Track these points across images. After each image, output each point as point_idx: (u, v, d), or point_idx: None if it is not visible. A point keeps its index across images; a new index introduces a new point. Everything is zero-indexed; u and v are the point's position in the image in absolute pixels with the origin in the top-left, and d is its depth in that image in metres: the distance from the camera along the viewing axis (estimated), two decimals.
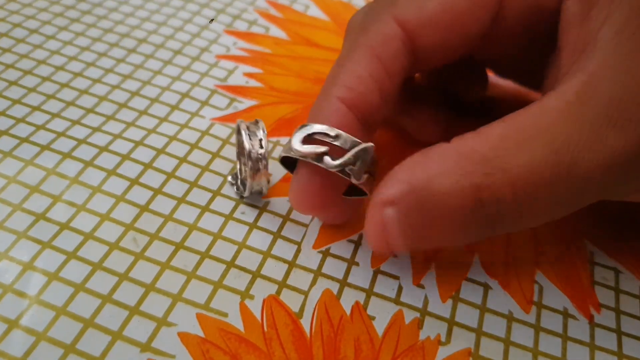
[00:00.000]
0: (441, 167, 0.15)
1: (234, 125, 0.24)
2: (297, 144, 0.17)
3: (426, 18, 0.18)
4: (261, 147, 0.19)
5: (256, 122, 0.20)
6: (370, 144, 0.17)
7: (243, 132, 0.19)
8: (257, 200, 0.21)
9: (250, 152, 0.19)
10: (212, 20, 0.29)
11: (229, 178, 0.21)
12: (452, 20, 0.18)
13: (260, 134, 0.19)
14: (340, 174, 0.17)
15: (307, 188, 0.18)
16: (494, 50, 0.21)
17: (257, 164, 0.19)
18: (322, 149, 0.17)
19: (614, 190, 0.16)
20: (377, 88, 0.18)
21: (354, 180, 0.17)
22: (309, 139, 0.17)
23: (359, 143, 0.17)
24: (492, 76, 0.25)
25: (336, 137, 0.17)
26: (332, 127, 0.17)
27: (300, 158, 0.17)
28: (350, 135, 0.17)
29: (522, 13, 0.19)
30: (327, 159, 0.17)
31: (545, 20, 0.18)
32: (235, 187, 0.21)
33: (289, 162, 0.19)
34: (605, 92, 0.15)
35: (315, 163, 0.17)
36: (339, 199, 0.19)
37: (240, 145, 0.20)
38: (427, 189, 0.15)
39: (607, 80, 0.15)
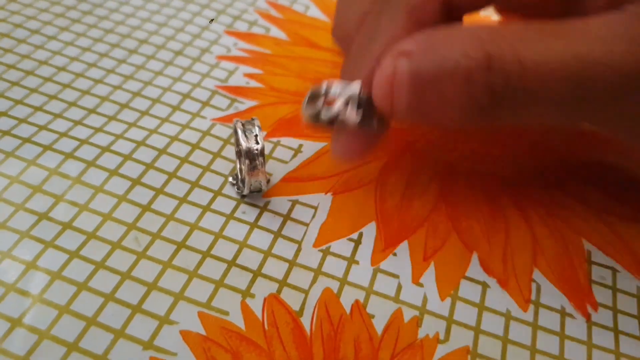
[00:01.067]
0: (462, 34, 0.16)
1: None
2: (305, 111, 0.18)
3: None
4: (257, 143, 0.19)
5: (252, 120, 0.20)
6: (357, 81, 0.17)
7: (239, 131, 0.19)
8: (257, 199, 0.21)
9: (246, 149, 0.19)
10: (212, 20, 0.30)
11: (230, 179, 0.21)
12: None
13: (256, 130, 0.19)
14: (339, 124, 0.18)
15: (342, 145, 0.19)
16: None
17: (254, 161, 0.19)
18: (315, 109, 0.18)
19: (611, 114, 0.17)
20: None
21: (351, 123, 0.18)
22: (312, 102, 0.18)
23: (348, 85, 0.17)
24: None
25: (326, 91, 0.18)
26: (324, 83, 0.18)
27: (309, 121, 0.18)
28: (336, 81, 0.17)
29: None
30: (323, 114, 0.18)
31: None
32: (235, 186, 0.21)
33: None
34: (635, 28, 0.15)
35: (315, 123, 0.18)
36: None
37: (237, 143, 0.20)
38: (444, 48, 0.16)
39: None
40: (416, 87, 0.16)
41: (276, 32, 0.30)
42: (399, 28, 0.18)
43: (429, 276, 0.20)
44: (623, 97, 0.16)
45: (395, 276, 0.20)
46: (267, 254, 0.20)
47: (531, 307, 0.19)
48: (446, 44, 0.16)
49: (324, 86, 0.18)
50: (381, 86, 0.17)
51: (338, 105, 0.17)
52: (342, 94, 0.17)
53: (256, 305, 0.18)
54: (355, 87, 0.17)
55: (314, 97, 0.18)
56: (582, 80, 0.15)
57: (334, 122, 0.18)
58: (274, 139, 0.24)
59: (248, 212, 0.21)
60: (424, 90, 0.16)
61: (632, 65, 0.15)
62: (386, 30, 0.18)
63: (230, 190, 0.21)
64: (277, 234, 0.20)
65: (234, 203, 0.21)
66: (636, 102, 0.16)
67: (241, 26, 0.30)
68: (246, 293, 0.18)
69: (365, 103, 0.17)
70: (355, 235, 0.21)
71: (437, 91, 0.16)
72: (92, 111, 0.24)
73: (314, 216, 0.21)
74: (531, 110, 0.16)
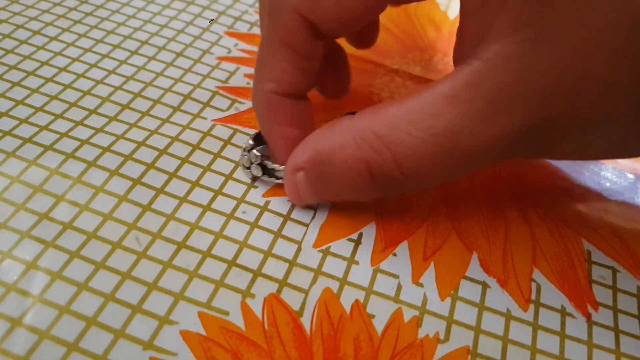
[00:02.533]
0: (341, 140, 0.18)
1: (235, 127, 0.24)
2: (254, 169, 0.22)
3: (323, 13, 0.19)
4: None
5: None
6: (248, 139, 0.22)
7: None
8: (258, 197, 0.21)
9: None
10: (212, 20, 0.30)
11: (244, 158, 0.22)
12: (347, 15, 0.19)
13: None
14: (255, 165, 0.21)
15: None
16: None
17: None
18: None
19: (504, 157, 0.18)
20: (299, 72, 0.20)
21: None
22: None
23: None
24: None
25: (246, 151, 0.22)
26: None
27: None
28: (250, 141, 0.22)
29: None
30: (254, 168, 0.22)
31: None
32: (248, 169, 0.22)
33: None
34: (494, 80, 0.16)
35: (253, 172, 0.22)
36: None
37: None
38: (328, 159, 0.18)
39: (499, 68, 0.16)
40: (314, 190, 0.20)
41: None
42: (279, 59, 0.20)
43: (429, 276, 0.20)
44: (502, 153, 0.17)
45: (395, 276, 0.20)
46: (267, 254, 0.20)
47: (531, 306, 0.19)
48: (330, 155, 0.18)
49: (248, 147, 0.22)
50: (289, 192, 0.20)
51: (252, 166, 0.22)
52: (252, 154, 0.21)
53: (256, 305, 0.18)
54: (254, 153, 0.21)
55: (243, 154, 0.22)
56: (452, 154, 0.17)
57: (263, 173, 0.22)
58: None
59: (248, 212, 0.21)
60: (322, 190, 0.19)
61: (496, 125, 0.16)
62: (270, 65, 0.20)
63: (230, 190, 0.21)
64: (277, 234, 0.20)
65: (234, 203, 0.21)
66: (522, 153, 0.18)
67: (242, 27, 0.30)
68: (246, 293, 0.18)
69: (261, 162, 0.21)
70: (355, 236, 0.21)
71: (332, 189, 0.19)
72: (93, 112, 0.24)
73: (314, 216, 0.21)
74: (419, 185, 0.19)
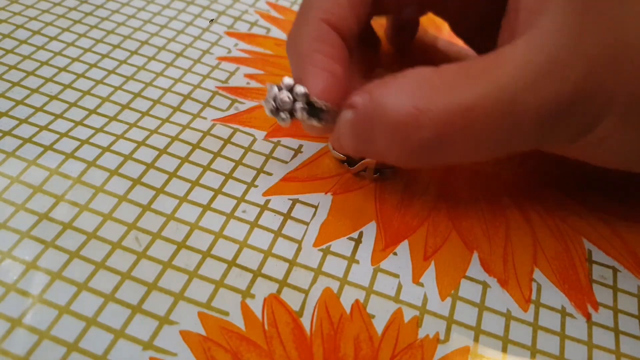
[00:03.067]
0: (398, 86, 0.17)
1: (235, 126, 0.24)
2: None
3: None
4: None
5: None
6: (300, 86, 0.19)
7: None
8: (258, 196, 0.21)
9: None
10: (212, 20, 0.30)
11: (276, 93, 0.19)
12: None
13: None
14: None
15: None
16: (448, 7, 0.23)
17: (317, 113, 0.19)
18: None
19: (546, 136, 0.18)
20: (354, 14, 0.19)
21: (300, 117, 0.19)
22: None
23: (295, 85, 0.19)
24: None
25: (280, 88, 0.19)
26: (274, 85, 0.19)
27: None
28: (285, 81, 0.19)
29: None
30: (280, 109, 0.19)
31: None
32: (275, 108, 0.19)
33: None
34: (551, 43, 0.16)
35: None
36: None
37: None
38: (380, 101, 0.17)
39: (556, 34, 0.16)
40: (356, 134, 0.18)
41: (276, 32, 0.30)
42: (315, 31, 0.19)
43: (430, 276, 0.20)
44: (552, 121, 0.17)
45: (396, 276, 0.20)
46: (267, 253, 0.20)
47: (531, 306, 0.19)
48: (382, 98, 0.17)
49: (276, 87, 0.19)
50: (334, 132, 0.19)
51: (289, 102, 0.19)
52: (292, 93, 0.19)
53: (256, 306, 0.18)
54: (300, 89, 0.19)
55: (271, 95, 0.19)
56: (511, 112, 0.16)
57: (292, 115, 0.19)
58: (274, 139, 0.24)
59: (248, 211, 0.21)
60: (362, 137, 0.18)
61: (553, 86, 0.16)
62: (307, 35, 0.19)
63: (230, 189, 0.21)
64: (278, 233, 0.20)
65: (234, 202, 0.21)
66: (566, 126, 0.17)
67: (242, 27, 0.30)
68: (246, 293, 0.18)
69: (309, 102, 0.19)
70: (355, 234, 0.21)
71: (374, 139, 0.18)
72: (92, 111, 0.24)
73: (314, 215, 0.21)
74: (466, 151, 0.18)
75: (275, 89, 0.19)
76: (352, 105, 0.18)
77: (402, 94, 0.17)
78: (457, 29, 0.26)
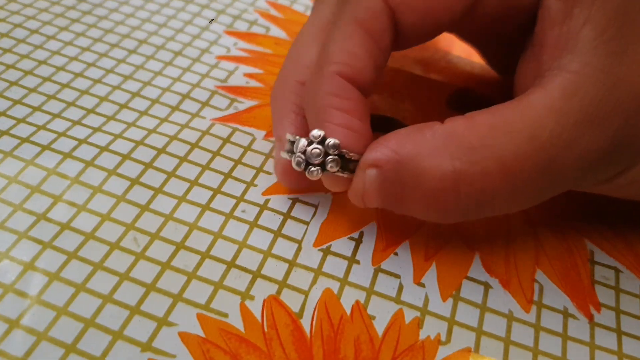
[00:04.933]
0: (430, 145, 0.16)
1: (234, 125, 0.24)
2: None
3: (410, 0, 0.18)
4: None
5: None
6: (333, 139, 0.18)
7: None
8: (258, 196, 0.21)
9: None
10: (212, 20, 0.30)
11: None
12: (434, 3, 0.18)
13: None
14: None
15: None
16: (468, 32, 0.22)
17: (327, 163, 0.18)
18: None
19: (580, 183, 0.17)
20: (372, 64, 0.18)
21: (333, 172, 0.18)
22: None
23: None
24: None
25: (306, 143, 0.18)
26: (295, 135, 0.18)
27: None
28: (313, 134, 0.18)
29: (499, 7, 0.19)
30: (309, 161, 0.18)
31: (520, 16, 0.19)
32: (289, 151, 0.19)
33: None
34: (587, 91, 0.16)
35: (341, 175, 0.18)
36: None
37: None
38: (411, 163, 0.16)
39: (590, 80, 0.16)
40: (383, 195, 0.17)
41: (276, 31, 0.29)
42: (354, 43, 0.18)
43: (431, 276, 0.20)
44: (588, 171, 0.17)
45: (397, 276, 0.19)
46: (267, 254, 0.19)
47: (533, 307, 0.19)
48: (413, 158, 0.16)
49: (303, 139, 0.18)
50: (353, 190, 0.18)
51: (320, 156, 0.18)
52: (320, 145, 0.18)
53: (256, 307, 0.18)
54: (333, 142, 0.17)
55: (299, 148, 0.18)
56: (549, 168, 0.16)
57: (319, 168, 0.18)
58: (274, 139, 0.23)
59: (248, 211, 0.21)
60: (392, 197, 0.17)
61: (591, 138, 0.16)
62: (341, 46, 0.18)
63: (230, 189, 0.21)
64: (277, 233, 0.20)
65: (233, 202, 0.21)
66: (600, 174, 0.17)
67: (241, 26, 0.30)
68: (245, 295, 0.18)
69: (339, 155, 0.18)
70: (356, 234, 0.20)
71: (406, 200, 0.17)
72: (91, 111, 0.23)
73: (314, 215, 0.21)
74: (505, 208, 0.17)
75: (304, 142, 0.18)
76: (375, 165, 0.17)
77: (437, 155, 0.16)
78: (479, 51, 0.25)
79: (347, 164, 0.18)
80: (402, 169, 0.16)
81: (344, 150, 0.17)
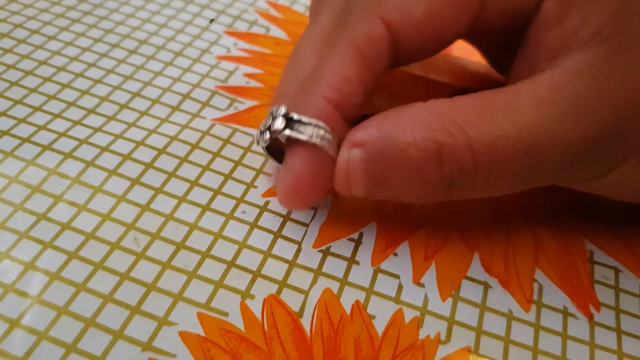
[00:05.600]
0: (411, 121, 0.16)
1: (234, 126, 0.24)
2: (296, 128, 0.17)
3: (413, 23, 0.18)
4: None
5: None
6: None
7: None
8: (258, 197, 0.21)
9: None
10: (212, 20, 0.30)
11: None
12: (437, 27, 0.18)
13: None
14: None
15: (304, 178, 0.18)
16: (472, 40, 0.22)
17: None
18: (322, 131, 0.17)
19: (567, 176, 0.18)
20: (362, 90, 0.18)
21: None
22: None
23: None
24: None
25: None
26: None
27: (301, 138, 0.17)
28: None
29: (502, 12, 0.19)
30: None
31: (522, 20, 0.19)
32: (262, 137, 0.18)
33: (272, 150, 0.19)
34: (574, 85, 0.16)
35: (319, 144, 0.17)
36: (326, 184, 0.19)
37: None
38: (394, 138, 0.16)
39: (581, 75, 0.16)
40: (368, 175, 0.17)
41: (276, 31, 0.30)
42: (347, 67, 0.18)
43: (430, 276, 0.20)
44: (573, 163, 0.17)
45: (396, 276, 0.19)
46: (267, 254, 0.19)
47: (533, 307, 0.19)
48: (396, 133, 0.16)
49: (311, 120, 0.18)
50: (337, 173, 0.17)
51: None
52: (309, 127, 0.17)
53: (256, 306, 0.18)
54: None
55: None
56: (531, 153, 0.16)
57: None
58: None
59: (248, 212, 0.21)
60: (377, 177, 0.17)
61: (575, 130, 0.16)
62: (333, 69, 0.18)
63: (229, 190, 0.21)
64: (277, 234, 0.20)
65: (233, 202, 0.21)
66: (587, 168, 0.17)
67: (241, 26, 0.30)
68: (246, 294, 0.18)
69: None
70: (355, 235, 0.20)
71: (390, 178, 0.17)
72: (91, 111, 0.23)
73: (314, 216, 0.21)
74: (488, 187, 0.17)
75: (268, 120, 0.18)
76: (358, 144, 0.17)
77: (420, 127, 0.16)
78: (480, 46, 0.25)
79: (293, 124, 0.17)
80: (386, 144, 0.16)
81: (292, 114, 0.17)
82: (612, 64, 0.16)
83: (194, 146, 0.23)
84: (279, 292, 0.18)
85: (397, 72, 0.27)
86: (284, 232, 0.20)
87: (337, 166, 0.17)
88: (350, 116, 0.18)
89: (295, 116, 0.17)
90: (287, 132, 0.17)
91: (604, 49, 0.16)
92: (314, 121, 0.17)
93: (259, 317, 0.18)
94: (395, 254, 0.20)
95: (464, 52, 0.29)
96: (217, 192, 0.21)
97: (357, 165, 0.17)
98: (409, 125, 0.16)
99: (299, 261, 0.19)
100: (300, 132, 0.17)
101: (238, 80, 0.26)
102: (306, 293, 0.19)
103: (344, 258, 0.20)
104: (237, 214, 0.21)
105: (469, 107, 0.16)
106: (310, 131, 0.17)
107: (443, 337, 0.18)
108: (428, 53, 0.19)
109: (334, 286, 0.19)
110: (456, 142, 0.16)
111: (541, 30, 0.17)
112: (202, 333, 0.17)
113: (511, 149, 0.16)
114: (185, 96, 0.25)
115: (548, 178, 0.18)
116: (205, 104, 0.25)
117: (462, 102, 0.17)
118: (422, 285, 0.19)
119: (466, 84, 0.27)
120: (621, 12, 0.16)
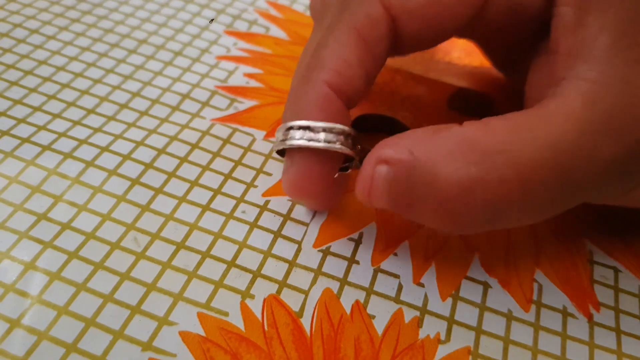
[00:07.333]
0: (445, 149, 0.15)
1: (234, 126, 0.24)
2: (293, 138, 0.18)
3: (412, 7, 0.18)
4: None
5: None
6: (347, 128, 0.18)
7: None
8: (258, 197, 0.21)
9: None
10: (212, 20, 0.30)
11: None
12: (436, 14, 0.18)
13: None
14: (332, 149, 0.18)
15: (304, 172, 0.18)
16: (474, 36, 0.21)
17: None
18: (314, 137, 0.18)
19: (598, 195, 0.17)
20: (364, 73, 0.18)
21: (346, 150, 0.18)
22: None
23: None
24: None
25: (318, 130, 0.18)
26: (313, 120, 0.18)
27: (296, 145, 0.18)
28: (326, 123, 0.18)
29: (506, 10, 0.19)
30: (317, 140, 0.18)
31: (526, 18, 0.19)
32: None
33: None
34: (608, 100, 0.15)
35: (308, 144, 0.18)
36: (331, 183, 0.19)
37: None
38: (425, 166, 0.15)
39: (610, 89, 0.15)
40: (391, 194, 0.16)
41: (276, 31, 0.30)
42: (348, 51, 0.18)
43: (430, 276, 0.20)
44: (607, 182, 0.16)
45: (396, 276, 0.19)
46: (267, 254, 0.19)
47: (533, 307, 0.19)
48: (427, 161, 0.16)
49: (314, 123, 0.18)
50: (360, 185, 0.17)
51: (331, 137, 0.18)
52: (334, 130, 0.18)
53: (256, 306, 0.18)
54: (348, 131, 0.18)
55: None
56: (569, 176, 0.15)
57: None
58: (274, 139, 0.23)
59: (248, 212, 0.21)
60: (401, 198, 0.16)
61: (610, 147, 0.15)
62: (334, 52, 0.18)
63: (229, 189, 0.21)
64: (277, 234, 0.20)
65: (233, 202, 0.21)
66: (619, 185, 0.17)
67: (241, 26, 0.30)
68: (246, 294, 0.18)
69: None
70: (355, 235, 0.20)
71: (415, 204, 0.16)
72: (91, 111, 0.23)
73: (314, 216, 0.21)
74: (520, 218, 0.16)
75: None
76: (386, 161, 0.16)
77: (452, 159, 0.15)
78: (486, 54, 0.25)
79: (309, 132, 0.18)
80: (415, 170, 0.16)
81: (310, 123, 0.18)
82: (637, 74, 0.15)
83: (194, 146, 0.23)
84: (279, 291, 0.18)
85: (397, 72, 0.27)
86: (284, 232, 0.20)
87: (360, 176, 0.17)
88: (352, 102, 0.18)
89: (310, 124, 0.18)
90: (302, 142, 0.18)
91: (627, 58, 0.15)
92: (326, 126, 0.17)
93: (259, 317, 0.18)
94: (395, 254, 0.20)
95: (464, 52, 0.29)
96: (217, 192, 0.21)
97: (382, 183, 0.16)
98: (441, 154, 0.15)
99: (299, 261, 0.19)
100: (317, 141, 0.17)
101: (238, 80, 0.26)
102: (306, 293, 0.19)
103: (344, 258, 0.20)
104: (237, 213, 0.21)
105: (505, 132, 0.15)
106: (324, 137, 0.17)
107: (443, 337, 0.18)
108: (427, 43, 0.19)
109: (334, 286, 0.19)
110: (491, 178, 0.15)
111: (558, 37, 0.17)
112: (202, 333, 0.17)
113: (547, 177, 0.15)
114: (185, 96, 0.25)
115: (581, 199, 0.17)
116: (205, 103, 0.25)
117: (497, 126, 0.16)
118: (422, 285, 0.19)
119: (466, 84, 0.27)
120: (638, 20, 0.16)
